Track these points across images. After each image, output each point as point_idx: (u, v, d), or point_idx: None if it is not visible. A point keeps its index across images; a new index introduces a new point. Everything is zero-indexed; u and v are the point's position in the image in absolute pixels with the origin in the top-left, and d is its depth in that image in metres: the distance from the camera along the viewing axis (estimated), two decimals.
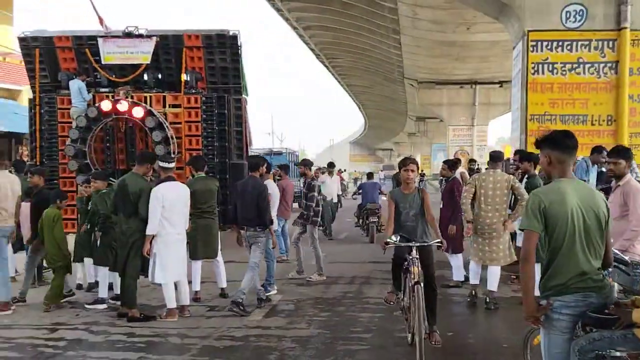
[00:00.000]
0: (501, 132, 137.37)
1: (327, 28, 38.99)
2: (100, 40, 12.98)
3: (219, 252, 8.76)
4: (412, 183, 6.63)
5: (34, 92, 13.49)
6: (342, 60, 46.93)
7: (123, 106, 12.34)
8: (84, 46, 13.16)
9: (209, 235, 8.49)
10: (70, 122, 12.98)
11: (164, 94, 13.08)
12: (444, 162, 11.86)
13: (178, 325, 7.24)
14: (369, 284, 9.92)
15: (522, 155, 10.23)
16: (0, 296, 8.03)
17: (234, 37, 13.07)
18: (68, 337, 6.79)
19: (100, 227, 8.32)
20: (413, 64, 41.27)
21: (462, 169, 16.46)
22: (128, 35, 12.99)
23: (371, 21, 34.29)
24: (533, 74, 16.87)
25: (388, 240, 6.22)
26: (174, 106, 13.06)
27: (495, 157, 8.81)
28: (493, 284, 8.34)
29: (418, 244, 6.32)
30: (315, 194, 11.10)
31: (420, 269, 6.12)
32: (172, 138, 12.59)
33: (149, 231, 7.23)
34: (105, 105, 12.37)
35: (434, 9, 28.10)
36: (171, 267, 7.39)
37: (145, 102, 12.75)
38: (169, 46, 13.12)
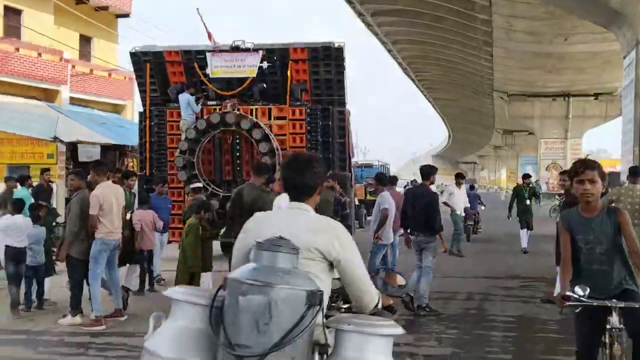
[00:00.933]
0: (595, 144, 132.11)
1: (416, 42, 38.70)
2: (208, 55, 13.23)
3: None
4: (595, 201, 4.23)
5: (144, 105, 13.89)
6: (429, 74, 46.46)
7: (231, 118, 12.50)
8: (193, 60, 13.45)
9: None
10: (179, 134, 13.27)
11: (269, 106, 13.19)
12: (562, 173, 11.39)
13: None
14: (489, 301, 9.51)
15: None
16: (115, 304, 8.18)
17: (340, 50, 13.07)
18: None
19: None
20: (504, 77, 40.35)
21: None
22: (235, 49, 13.19)
23: (462, 33, 33.76)
24: None
25: (569, 294, 4.02)
26: (279, 118, 13.15)
27: (635, 172, 8.30)
28: None
29: (622, 305, 4.00)
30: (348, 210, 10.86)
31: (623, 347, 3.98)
32: (277, 150, 12.66)
33: None
34: (214, 118, 12.58)
35: (531, 20, 27.36)
36: None
37: (251, 115, 12.90)
38: (275, 59, 13.24)
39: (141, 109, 14.11)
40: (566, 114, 43.81)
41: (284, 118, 13.10)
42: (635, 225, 7.80)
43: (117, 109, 22.42)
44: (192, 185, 10.85)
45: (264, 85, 13.44)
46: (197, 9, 13.33)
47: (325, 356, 2.56)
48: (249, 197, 7.34)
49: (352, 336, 2.53)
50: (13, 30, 19.15)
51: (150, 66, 13.59)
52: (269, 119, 13.11)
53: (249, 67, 13.19)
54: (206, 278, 8.57)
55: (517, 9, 26.06)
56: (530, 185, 16.30)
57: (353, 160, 16.07)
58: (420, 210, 8.42)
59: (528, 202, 15.71)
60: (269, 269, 2.48)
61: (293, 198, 2.95)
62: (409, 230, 8.71)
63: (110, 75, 21.72)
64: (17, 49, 18.23)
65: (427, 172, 8.84)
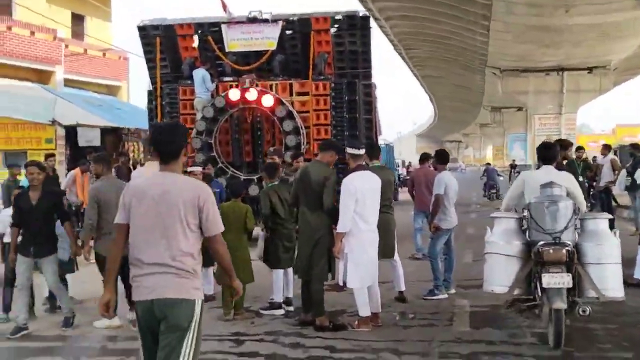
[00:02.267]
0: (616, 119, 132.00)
1: (409, 17, 37.78)
2: (223, 27, 12.32)
3: (396, 251, 7.84)
4: None
5: (153, 83, 12.95)
6: (420, 51, 45.51)
7: (252, 95, 11.64)
8: (206, 33, 12.52)
9: (387, 231, 7.54)
10: (193, 114, 12.37)
11: (290, 81, 12.32)
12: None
13: (376, 336, 6.29)
14: None
15: None
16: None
17: (365, 19, 12.27)
18: (262, 352, 5.91)
19: (266, 226, 7.45)
20: (499, 51, 39.62)
21: (612, 155, 14.85)
22: (252, 20, 12.29)
23: (458, 7, 32.91)
24: None
25: None
26: (301, 94, 12.29)
27: None
28: None
29: None
30: None
31: None
32: (301, 128, 11.83)
33: (341, 228, 6.31)
34: (234, 95, 11.70)
35: None
36: (365, 270, 6.49)
37: (272, 90, 12.02)
38: (295, 30, 12.38)
39: (150, 87, 13.14)
40: (561, 89, 43.22)
41: (306, 94, 12.24)
42: None
43: (112, 90, 21.30)
44: (188, 169, 8.88)
45: (284, 58, 12.54)
46: None
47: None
48: (318, 176, 6.49)
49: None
50: (4, 8, 17.92)
51: (161, 41, 12.62)
52: (291, 95, 12.26)
53: (267, 39, 12.28)
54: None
55: None
56: (585, 160, 14.04)
57: (380, 138, 15.22)
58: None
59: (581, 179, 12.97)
60: (554, 195, 6.02)
61: None
62: None
63: (105, 55, 20.58)
64: (9, 28, 17.06)
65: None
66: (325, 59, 12.25)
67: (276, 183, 7.53)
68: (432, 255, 8.05)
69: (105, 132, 17.20)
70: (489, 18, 32.72)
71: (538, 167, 7.11)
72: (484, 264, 6.25)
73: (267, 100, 11.63)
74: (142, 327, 3.68)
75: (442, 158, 8.41)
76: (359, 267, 6.43)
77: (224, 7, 12.42)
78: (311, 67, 12.21)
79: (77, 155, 15.09)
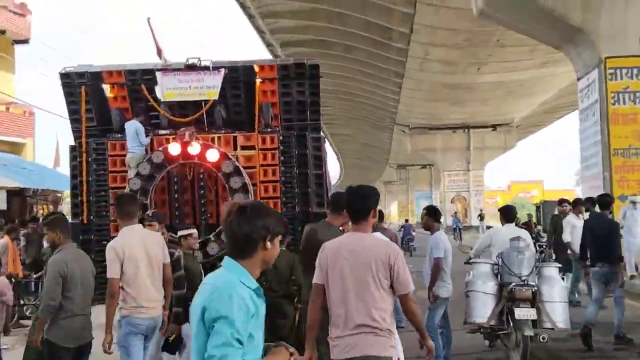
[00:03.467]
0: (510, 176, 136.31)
1: (324, 74, 37.71)
2: (158, 75, 11.09)
3: None
4: None
5: (77, 137, 11.46)
6: (332, 109, 45.66)
7: (194, 149, 10.43)
8: (139, 82, 11.27)
9: None
10: (124, 171, 11.01)
11: (234, 134, 11.21)
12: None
13: None
14: None
15: None
16: None
17: (315, 67, 11.41)
18: None
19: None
20: (408, 109, 40.28)
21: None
22: (191, 67, 11.16)
23: (373, 65, 33.19)
24: (613, 104, 15.61)
25: None
26: (246, 148, 11.19)
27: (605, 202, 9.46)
28: None
29: None
30: None
31: None
32: (249, 185, 10.71)
33: None
34: (174, 149, 10.44)
35: (449, 48, 27.08)
36: None
37: (214, 144, 10.88)
38: (239, 79, 11.33)
39: (73, 142, 11.65)
40: (467, 145, 44.43)
41: (252, 147, 11.13)
42: None
43: (15, 148, 19.29)
44: (180, 233, 8.25)
45: (226, 109, 11.47)
46: (148, 18, 11.24)
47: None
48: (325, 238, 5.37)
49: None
50: None
51: (87, 90, 11.25)
52: (235, 149, 11.11)
53: (208, 88, 11.16)
54: None
55: (438, 36, 25.68)
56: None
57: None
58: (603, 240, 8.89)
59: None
60: (521, 247, 7.57)
61: None
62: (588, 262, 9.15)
63: (8, 109, 18.70)
64: None
65: (606, 202, 9.75)
66: (272, 109, 11.27)
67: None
68: (431, 330, 7.03)
69: (11, 194, 15.36)
70: (402, 75, 33.12)
71: (502, 225, 8.61)
72: (466, 300, 7.78)
73: (212, 155, 10.45)
74: None
75: (435, 215, 7.54)
76: None
77: (159, 52, 11.26)
78: (257, 118, 11.19)
79: None
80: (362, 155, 69.04)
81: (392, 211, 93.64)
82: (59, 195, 18.54)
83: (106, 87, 11.35)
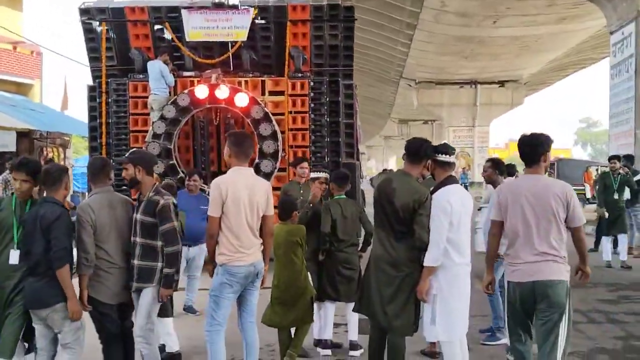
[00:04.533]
0: (510, 134, 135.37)
1: None
2: (184, 12, 10.47)
3: None
4: None
5: (96, 77, 10.89)
6: None
7: (223, 93, 9.88)
8: (163, 20, 10.63)
9: None
10: (145, 114, 10.47)
11: (262, 78, 10.63)
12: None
13: None
14: None
15: None
16: None
17: (350, 9, 10.78)
18: None
19: (322, 249, 5.86)
20: (417, 63, 39.40)
21: None
22: (219, 5, 10.52)
23: (385, 15, 32.17)
24: None
25: None
26: (275, 93, 10.64)
27: None
28: None
29: None
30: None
31: None
32: (279, 132, 10.20)
33: (431, 261, 4.67)
34: (201, 92, 9.89)
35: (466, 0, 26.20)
36: (460, 317, 4.95)
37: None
38: (269, 20, 10.69)
39: (92, 82, 11.06)
40: (474, 102, 43.71)
41: (281, 93, 10.60)
42: None
43: (22, 89, 18.53)
44: (313, 175, 6.67)
45: (255, 52, 10.86)
46: None
47: None
48: (406, 197, 4.82)
49: None
50: None
51: (107, 27, 10.61)
52: (262, 94, 10.58)
53: (236, 28, 10.54)
54: None
55: None
56: (622, 172, 11.31)
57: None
58: None
59: (617, 195, 11.09)
60: None
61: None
62: None
63: (16, 49, 17.90)
64: None
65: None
66: (303, 54, 10.67)
67: (342, 196, 5.95)
68: (497, 290, 6.54)
69: (18, 136, 14.76)
70: (414, 27, 32.17)
71: None
72: None
73: (241, 100, 9.91)
74: (515, 306, 4.49)
75: (499, 167, 6.99)
76: (452, 314, 4.85)
77: None
78: (287, 62, 10.60)
79: None
80: (364, 109, 67.99)
81: (390, 165, 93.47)
82: (67, 138, 17.97)
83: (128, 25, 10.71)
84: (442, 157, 4.96)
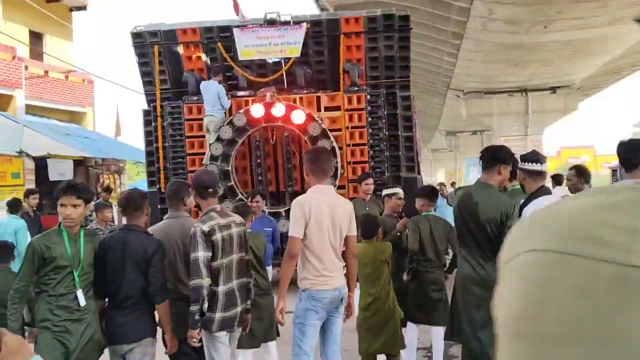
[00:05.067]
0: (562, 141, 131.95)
1: None
2: (236, 31, 10.31)
3: None
4: None
5: (150, 101, 10.80)
6: None
7: (279, 110, 9.66)
8: (215, 40, 10.50)
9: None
10: (201, 136, 10.33)
11: (317, 94, 10.38)
12: None
13: None
14: None
15: None
16: None
17: (405, 18, 10.48)
18: None
19: (409, 268, 5.54)
20: (465, 72, 38.77)
21: None
22: (271, 22, 10.33)
23: (431, 26, 31.75)
24: None
25: None
26: (331, 109, 10.37)
27: None
28: None
29: None
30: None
31: None
32: (337, 149, 9.91)
33: None
34: (257, 111, 9.68)
35: (515, 5, 25.61)
36: None
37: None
38: (322, 34, 10.47)
39: (144, 106, 11.00)
40: (526, 110, 42.75)
41: (337, 108, 10.33)
42: None
43: (75, 118, 18.75)
44: (385, 192, 6.67)
45: (308, 67, 10.63)
46: None
47: None
48: (490, 209, 4.45)
49: None
50: None
51: (160, 50, 10.54)
52: (318, 110, 10.32)
53: (290, 45, 10.33)
54: None
55: None
56: None
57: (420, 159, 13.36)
58: None
59: None
60: None
61: None
62: None
63: (67, 77, 18.13)
64: None
65: None
66: (359, 67, 10.39)
67: (431, 212, 5.64)
68: None
69: (77, 164, 14.85)
70: (461, 36, 31.66)
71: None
72: None
73: (298, 117, 9.66)
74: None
75: (584, 175, 6.57)
76: None
77: (236, 7, 10.43)
78: (342, 76, 10.33)
79: (46, 191, 12.69)
80: None
81: (439, 179, 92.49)
82: (122, 165, 18.06)
83: (180, 47, 10.62)
84: (532, 166, 4.60)
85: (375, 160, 10.23)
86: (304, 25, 10.27)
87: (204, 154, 10.21)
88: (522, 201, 4.55)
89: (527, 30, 29.49)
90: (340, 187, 10.03)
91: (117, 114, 18.76)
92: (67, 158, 14.07)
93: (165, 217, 4.66)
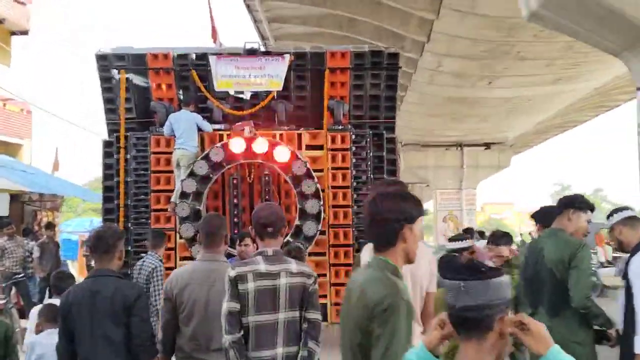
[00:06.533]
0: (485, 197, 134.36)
1: None
2: (212, 60, 9.48)
3: None
4: None
5: (112, 131, 9.75)
6: None
7: (261, 147, 8.83)
8: (188, 67, 9.63)
9: None
10: (169, 171, 9.34)
11: (299, 131, 9.62)
12: None
13: None
14: None
15: None
16: None
17: (394, 56, 9.93)
18: None
19: None
20: (405, 125, 38.86)
21: None
22: (251, 52, 9.57)
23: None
24: None
25: None
26: (313, 147, 9.62)
27: None
28: None
29: None
30: None
31: None
32: (319, 190, 9.13)
33: None
34: (237, 146, 8.81)
35: (465, 60, 25.79)
36: None
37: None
38: (305, 67, 9.78)
39: (105, 136, 9.92)
40: (461, 164, 43.32)
41: (319, 147, 9.58)
42: None
43: (10, 150, 17.18)
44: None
45: (289, 102, 9.89)
46: None
47: None
48: (556, 254, 3.81)
49: None
50: None
51: (127, 75, 9.56)
52: (299, 148, 9.55)
53: (270, 77, 9.59)
54: None
55: (457, 46, 24.36)
56: None
57: None
58: None
59: None
60: None
61: None
62: None
63: (5, 106, 16.64)
64: None
65: None
66: (344, 105, 9.72)
67: None
68: None
69: (12, 199, 13.42)
70: (406, 88, 31.79)
71: None
72: None
73: (282, 154, 8.85)
74: None
75: None
76: None
77: (214, 34, 9.63)
78: (325, 114, 9.63)
79: None
80: None
81: None
82: (58, 202, 16.62)
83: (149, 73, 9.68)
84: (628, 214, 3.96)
85: (358, 205, 9.49)
86: (287, 57, 9.57)
87: (170, 190, 9.22)
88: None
89: (472, 84, 29.78)
90: (321, 233, 9.24)
91: (57, 149, 17.42)
92: (3, 192, 12.67)
93: (198, 257, 3.75)
